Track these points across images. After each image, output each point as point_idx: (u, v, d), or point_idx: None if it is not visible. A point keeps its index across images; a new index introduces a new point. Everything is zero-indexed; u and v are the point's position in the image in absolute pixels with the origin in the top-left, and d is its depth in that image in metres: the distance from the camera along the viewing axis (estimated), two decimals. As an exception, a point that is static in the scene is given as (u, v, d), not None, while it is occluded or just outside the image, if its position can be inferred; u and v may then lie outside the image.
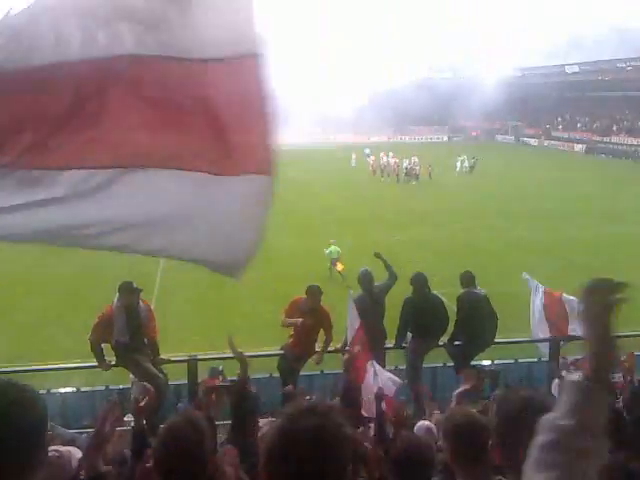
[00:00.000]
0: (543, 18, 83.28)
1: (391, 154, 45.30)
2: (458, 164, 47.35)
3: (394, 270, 8.69)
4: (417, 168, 42.32)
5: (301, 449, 1.47)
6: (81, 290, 17.10)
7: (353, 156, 51.30)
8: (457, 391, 4.21)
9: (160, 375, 7.61)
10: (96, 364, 7.74)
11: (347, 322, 7.45)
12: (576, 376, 1.50)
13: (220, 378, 9.73)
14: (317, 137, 68.30)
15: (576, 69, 73.35)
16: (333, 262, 18.89)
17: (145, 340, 7.69)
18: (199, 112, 2.41)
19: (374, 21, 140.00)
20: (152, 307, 8.48)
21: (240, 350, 4.25)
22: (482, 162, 47.96)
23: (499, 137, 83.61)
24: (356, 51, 76.96)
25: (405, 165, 42.57)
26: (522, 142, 78.71)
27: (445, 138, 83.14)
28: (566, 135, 74.27)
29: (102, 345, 7.63)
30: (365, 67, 76.76)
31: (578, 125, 74.75)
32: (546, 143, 74.90)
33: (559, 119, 78.66)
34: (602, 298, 1.49)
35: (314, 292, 8.13)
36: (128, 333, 7.34)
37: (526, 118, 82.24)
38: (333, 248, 19.09)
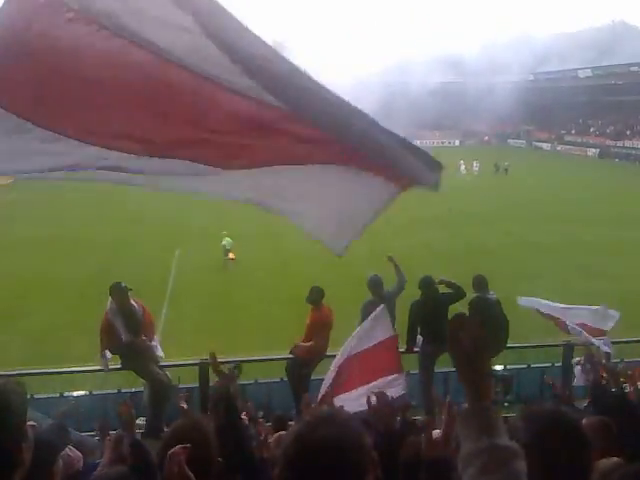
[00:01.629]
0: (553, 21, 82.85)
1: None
2: (475, 168, 48.14)
3: (404, 275, 8.67)
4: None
5: (319, 458, 1.45)
6: (95, 294, 17.15)
7: None
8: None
9: (165, 377, 7.64)
10: (110, 368, 7.80)
11: (360, 332, 7.18)
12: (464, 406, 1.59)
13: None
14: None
15: (589, 73, 72.98)
16: (226, 252, 21.41)
17: (146, 339, 7.70)
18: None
19: (385, 23, 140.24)
20: (163, 310, 8.52)
21: (221, 369, 4.16)
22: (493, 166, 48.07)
23: (511, 141, 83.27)
24: (367, 52, 77.24)
25: None
26: (534, 146, 78.36)
27: (457, 142, 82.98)
28: (579, 139, 73.87)
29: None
30: (376, 70, 76.97)
31: (591, 129, 74.34)
32: (559, 147, 74.52)
33: (572, 123, 78.22)
34: (469, 333, 1.59)
35: (313, 291, 8.21)
36: (129, 333, 7.36)
37: (538, 122, 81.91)
38: (227, 240, 21.58)
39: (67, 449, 3.38)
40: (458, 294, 8.47)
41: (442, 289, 8.53)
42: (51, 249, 22.84)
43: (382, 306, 7.25)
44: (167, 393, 7.53)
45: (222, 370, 4.14)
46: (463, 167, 47.72)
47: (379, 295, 8.35)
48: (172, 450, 2.23)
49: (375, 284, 8.46)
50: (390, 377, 6.60)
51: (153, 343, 7.88)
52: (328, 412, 1.62)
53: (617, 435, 3.44)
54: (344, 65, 77.20)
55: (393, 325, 8.34)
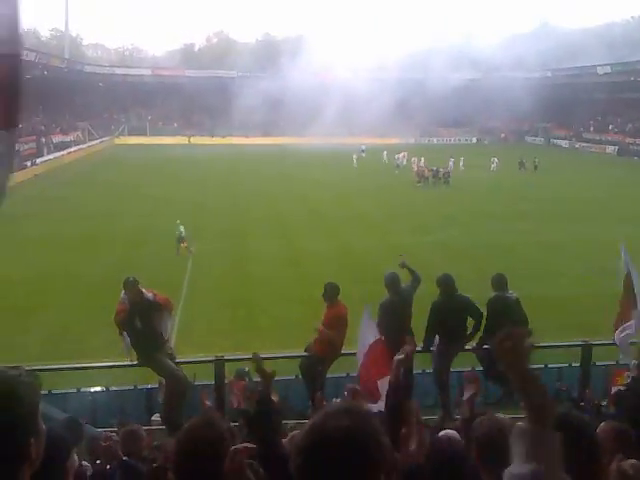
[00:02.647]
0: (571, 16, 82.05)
1: (422, 159, 45.66)
2: (494, 165, 48.22)
3: (418, 274, 8.60)
4: (448, 171, 42.54)
5: (332, 449, 1.44)
6: (110, 290, 17.30)
7: (354, 156, 51.63)
8: (465, 398, 4.15)
9: (181, 373, 7.67)
10: (125, 364, 7.85)
11: (360, 338, 7.22)
12: (522, 424, 1.54)
13: (246, 379, 9.78)
14: (343, 139, 68.10)
15: (608, 70, 72.12)
16: (181, 240, 22.05)
17: (161, 332, 7.73)
18: None
19: (404, 19, 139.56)
20: (179, 307, 8.54)
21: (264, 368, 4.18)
22: (513, 164, 47.73)
23: (528, 139, 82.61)
24: (385, 49, 77.00)
25: (443, 170, 42.67)
26: (552, 144, 77.66)
27: (474, 140, 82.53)
28: (597, 137, 73.07)
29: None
30: (394, 67, 76.70)
31: (610, 127, 73.46)
32: (577, 145, 73.77)
33: (590, 121, 77.39)
34: (515, 346, 1.57)
35: (328, 288, 8.20)
36: (140, 328, 7.39)
37: (556, 119, 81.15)
38: (180, 228, 22.22)
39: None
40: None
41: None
42: (69, 245, 23.03)
43: (366, 310, 7.26)
44: (184, 389, 7.56)
45: (265, 370, 4.17)
46: (494, 165, 48.07)
47: (397, 292, 8.27)
48: (235, 447, 2.25)
49: (392, 281, 8.36)
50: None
51: (169, 321, 7.91)
52: (347, 405, 1.60)
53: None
54: (362, 61, 77.28)
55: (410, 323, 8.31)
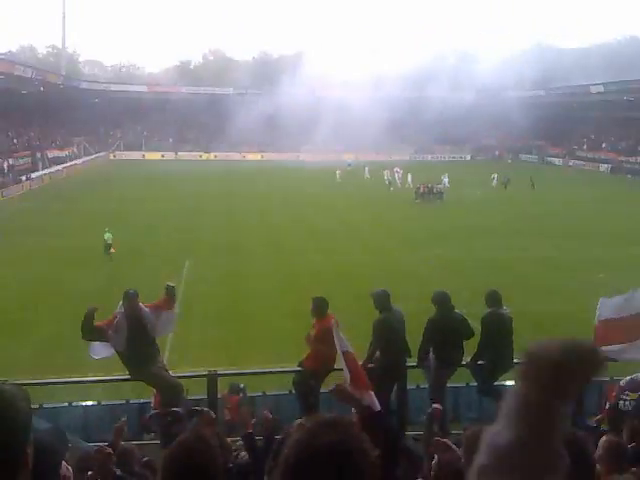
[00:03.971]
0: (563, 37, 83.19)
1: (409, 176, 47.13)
2: (494, 182, 48.85)
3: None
4: (441, 187, 42.88)
5: (319, 464, 1.43)
6: (104, 304, 17.24)
7: (337, 172, 51.93)
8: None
9: (175, 380, 7.61)
10: (117, 378, 7.79)
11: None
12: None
13: (240, 395, 9.73)
14: (337, 156, 68.35)
15: (601, 89, 72.86)
16: (108, 247, 23.54)
17: (155, 344, 7.67)
18: None
19: (400, 37, 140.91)
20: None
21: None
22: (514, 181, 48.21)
23: (523, 156, 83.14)
24: (380, 66, 77.60)
25: (438, 185, 43.12)
26: (546, 162, 78.18)
27: (468, 157, 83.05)
28: (591, 155, 73.61)
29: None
30: (388, 85, 77.24)
31: (603, 145, 74.07)
32: (570, 163, 74.31)
33: (584, 139, 78.02)
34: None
35: (316, 303, 8.09)
36: (132, 342, 7.31)
37: (550, 137, 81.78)
38: (107, 235, 23.73)
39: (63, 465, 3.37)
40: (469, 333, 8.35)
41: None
42: (62, 259, 22.97)
43: (332, 321, 7.20)
44: (180, 397, 7.50)
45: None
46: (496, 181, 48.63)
47: (389, 309, 8.23)
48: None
49: (380, 298, 8.28)
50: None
51: (172, 313, 7.86)
52: (328, 418, 1.58)
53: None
54: (358, 79, 77.83)
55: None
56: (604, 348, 7.44)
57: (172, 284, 7.90)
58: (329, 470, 1.43)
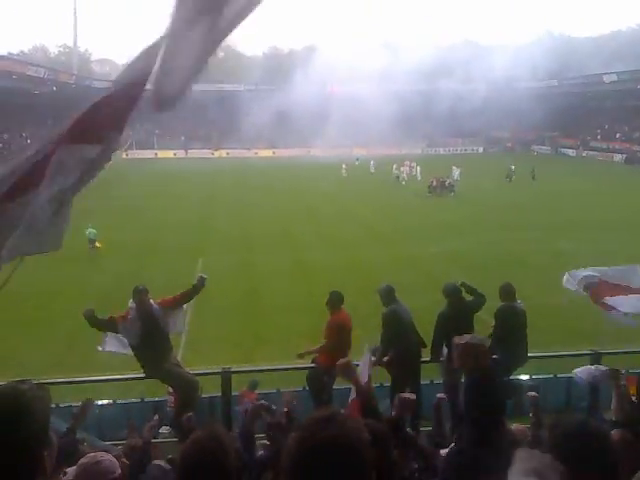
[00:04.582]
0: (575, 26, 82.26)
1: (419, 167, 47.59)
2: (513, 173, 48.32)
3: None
4: (452, 180, 42.62)
5: (320, 459, 1.49)
6: (119, 302, 17.31)
7: (343, 166, 51.86)
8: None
9: (191, 376, 7.65)
10: (132, 376, 7.84)
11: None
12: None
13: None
14: (350, 151, 68.18)
15: (614, 78, 72.05)
16: (92, 241, 24.08)
17: (169, 340, 7.72)
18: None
19: (410, 29, 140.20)
20: (186, 319, 8.52)
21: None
22: (521, 173, 47.67)
23: (535, 147, 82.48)
24: (392, 59, 77.22)
25: (449, 180, 42.94)
26: (560, 153, 77.51)
27: (480, 150, 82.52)
28: (605, 145, 72.91)
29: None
30: (400, 78, 76.89)
31: (617, 135, 73.30)
32: (584, 154, 73.62)
33: (597, 129, 77.25)
34: None
35: (332, 296, 8.21)
36: (147, 339, 7.36)
37: (563, 128, 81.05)
38: (90, 230, 24.16)
39: (108, 455, 3.42)
40: (480, 301, 8.34)
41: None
42: (76, 257, 23.11)
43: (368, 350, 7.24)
44: (196, 394, 7.54)
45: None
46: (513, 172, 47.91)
47: (395, 302, 8.26)
48: None
49: (386, 293, 8.34)
50: None
51: (181, 312, 7.93)
52: (327, 414, 1.63)
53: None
54: (369, 73, 77.52)
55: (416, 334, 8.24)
56: (608, 300, 7.61)
57: (205, 276, 7.94)
58: (329, 463, 1.49)
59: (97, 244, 24.29)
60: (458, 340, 3.37)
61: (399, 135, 71.15)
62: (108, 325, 7.52)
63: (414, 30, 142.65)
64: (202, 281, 7.86)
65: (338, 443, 1.50)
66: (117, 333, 7.58)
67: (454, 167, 46.61)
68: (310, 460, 1.50)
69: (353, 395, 6.23)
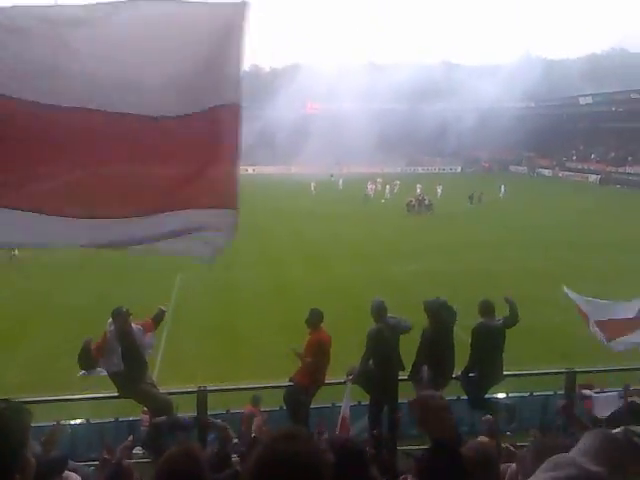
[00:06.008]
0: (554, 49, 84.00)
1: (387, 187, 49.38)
2: (502, 190, 49.38)
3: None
4: (427, 198, 43.11)
5: (278, 474, 1.49)
6: (95, 320, 17.03)
7: (312, 184, 52.10)
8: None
9: (165, 396, 7.55)
10: (106, 395, 7.72)
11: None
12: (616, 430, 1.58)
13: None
14: (330, 168, 68.45)
15: (589, 100, 73.58)
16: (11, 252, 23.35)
17: (145, 361, 7.63)
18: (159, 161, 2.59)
19: (389, 48, 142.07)
20: (163, 337, 8.45)
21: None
22: (495, 193, 48.27)
23: (512, 168, 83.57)
24: (371, 77, 77.96)
25: (427, 199, 43.46)
26: (536, 173, 78.61)
27: (459, 169, 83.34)
28: (580, 166, 74.13)
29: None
30: (379, 96, 77.59)
31: (592, 156, 74.64)
32: (560, 174, 74.77)
33: (573, 150, 78.60)
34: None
35: (312, 314, 8.10)
36: (125, 360, 7.26)
37: (540, 149, 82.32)
38: None
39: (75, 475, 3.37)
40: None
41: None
42: (52, 275, 22.83)
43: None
44: (170, 414, 7.43)
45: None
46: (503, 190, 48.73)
47: (383, 321, 8.15)
48: None
49: (375, 309, 8.23)
50: None
51: (147, 338, 7.76)
52: (292, 430, 1.63)
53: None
54: (349, 92, 78.11)
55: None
56: (619, 339, 7.66)
57: (164, 309, 7.92)
58: (286, 478, 1.49)
59: (14, 253, 23.87)
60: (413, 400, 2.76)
61: (379, 154, 71.64)
62: (91, 363, 7.36)
63: (395, 50, 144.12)
64: (162, 314, 7.97)
65: (297, 460, 1.50)
66: (96, 368, 7.44)
67: (438, 187, 48.06)
68: (267, 474, 1.50)
69: (343, 413, 6.50)
